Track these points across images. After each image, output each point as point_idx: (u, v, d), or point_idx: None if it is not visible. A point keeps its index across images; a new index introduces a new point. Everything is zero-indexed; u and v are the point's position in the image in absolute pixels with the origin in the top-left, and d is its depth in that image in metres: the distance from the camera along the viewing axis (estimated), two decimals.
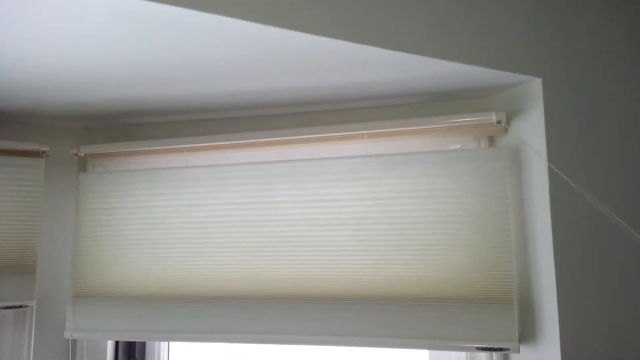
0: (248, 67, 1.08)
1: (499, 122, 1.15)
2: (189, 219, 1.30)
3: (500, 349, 1.06)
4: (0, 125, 1.41)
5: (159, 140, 1.34)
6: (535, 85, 1.13)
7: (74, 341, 1.38)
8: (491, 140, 1.24)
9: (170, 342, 1.48)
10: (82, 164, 1.45)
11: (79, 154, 1.40)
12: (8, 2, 0.82)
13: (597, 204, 1.00)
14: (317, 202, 1.22)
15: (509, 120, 1.19)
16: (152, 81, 1.16)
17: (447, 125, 1.18)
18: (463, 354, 1.18)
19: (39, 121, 1.43)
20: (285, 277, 1.22)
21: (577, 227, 1.08)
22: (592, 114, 1.15)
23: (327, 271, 1.19)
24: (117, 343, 1.44)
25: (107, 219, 1.35)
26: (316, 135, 1.24)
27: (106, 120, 1.45)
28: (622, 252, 1.10)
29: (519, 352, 1.06)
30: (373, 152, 1.24)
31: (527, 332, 1.09)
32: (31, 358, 1.32)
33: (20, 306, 1.31)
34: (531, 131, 1.14)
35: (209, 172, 1.30)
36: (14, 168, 1.33)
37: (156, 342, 1.46)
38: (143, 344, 1.46)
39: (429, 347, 1.11)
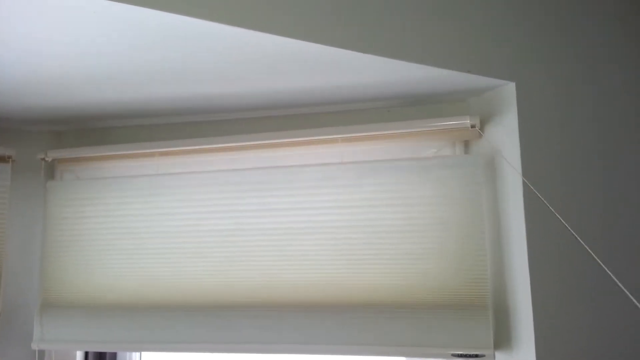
0: (220, 69, 1.07)
1: (473, 126, 1.16)
2: (160, 227, 1.28)
3: (476, 356, 1.07)
4: None
5: (129, 144, 1.33)
6: (510, 90, 1.14)
7: (42, 352, 1.35)
8: (466, 144, 1.25)
9: (142, 353, 1.46)
10: (50, 170, 1.42)
11: (47, 159, 1.37)
12: None
13: (569, 228, 1.01)
14: (290, 211, 1.22)
15: (484, 124, 1.20)
16: (122, 84, 1.15)
17: (422, 129, 1.19)
18: None
19: (4, 125, 1.40)
20: (257, 285, 1.21)
21: (551, 233, 1.09)
22: (566, 118, 1.17)
23: (301, 279, 1.19)
24: (86, 355, 1.41)
25: (77, 227, 1.33)
26: (290, 140, 1.24)
27: (76, 124, 1.43)
28: (597, 257, 1.12)
29: (494, 358, 1.07)
30: (348, 157, 1.25)
31: (503, 338, 1.10)
32: None
33: None
34: (506, 135, 1.16)
35: (180, 179, 1.29)
36: None
37: (127, 354, 1.43)
38: (114, 356, 1.43)
39: (405, 355, 1.11)
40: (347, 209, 1.19)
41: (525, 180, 1.09)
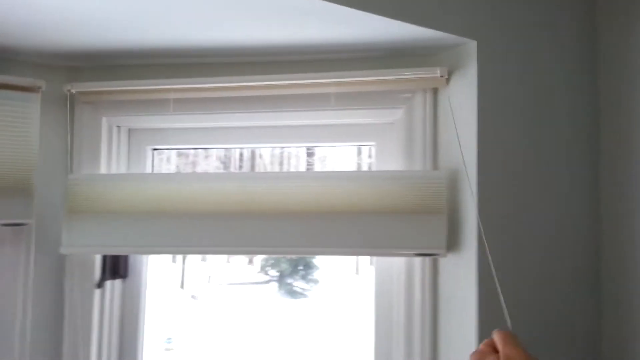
0: (213, 14, 1.29)
1: (442, 76, 1.43)
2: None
3: (432, 254, 1.38)
4: None
5: (148, 80, 1.56)
6: (472, 47, 1.41)
7: (65, 259, 1.59)
8: (435, 92, 1.51)
9: (149, 262, 1.72)
10: (72, 100, 1.63)
11: (72, 91, 1.59)
12: None
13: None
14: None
15: (451, 75, 1.47)
16: (140, 26, 1.36)
17: (398, 77, 1.46)
18: (402, 259, 1.49)
19: (25, 58, 1.60)
20: (252, 198, 1.48)
21: (499, 161, 1.39)
22: (522, 77, 1.45)
23: (287, 195, 1.47)
24: (104, 262, 1.66)
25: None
26: (290, 82, 1.50)
27: (94, 61, 1.63)
28: (539, 188, 1.42)
29: (446, 256, 1.39)
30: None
31: (453, 241, 1.42)
32: (31, 271, 1.53)
33: (21, 224, 1.52)
34: (467, 89, 1.42)
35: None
36: (11, 101, 1.51)
37: (137, 261, 1.69)
38: (126, 263, 1.69)
39: (374, 254, 1.44)
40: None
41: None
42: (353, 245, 1.41)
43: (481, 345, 0.97)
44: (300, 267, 5.10)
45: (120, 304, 1.66)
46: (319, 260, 4.88)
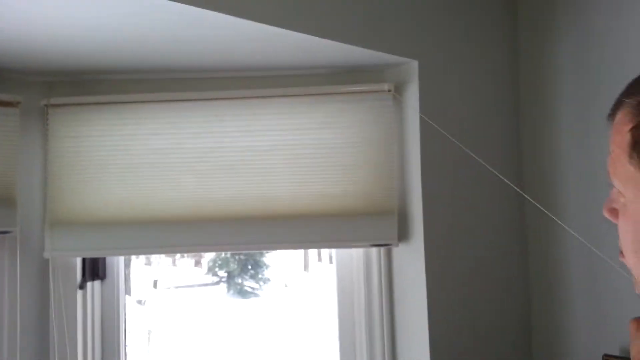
0: (181, 40, 1.49)
1: (389, 90, 1.69)
2: (150, 147, 1.68)
3: (386, 244, 1.63)
4: None
5: (122, 95, 1.70)
6: (414, 66, 1.67)
7: (48, 263, 1.72)
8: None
9: (129, 265, 1.87)
10: (48, 113, 1.75)
11: (49, 105, 1.71)
12: None
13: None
14: (256, 132, 1.67)
15: (397, 90, 1.72)
16: (112, 48, 1.52)
17: (350, 90, 1.70)
18: (361, 250, 1.74)
19: (4, 75, 1.70)
20: (228, 199, 1.66)
21: (441, 162, 1.66)
22: (459, 92, 1.73)
23: (263, 191, 1.66)
24: (84, 265, 1.79)
25: (75, 158, 1.70)
26: (247, 97, 1.71)
27: (66, 76, 1.76)
28: (474, 184, 1.70)
29: (398, 246, 1.65)
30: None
31: (403, 233, 1.68)
32: (17, 276, 1.65)
33: (5, 232, 1.63)
34: (411, 102, 1.68)
35: (168, 106, 1.70)
36: None
37: (115, 264, 1.84)
38: (104, 265, 1.83)
39: (339, 246, 1.67)
40: (298, 131, 1.68)
41: (425, 117, 1.64)
42: (318, 240, 1.65)
43: None
44: (249, 267, 5.27)
45: (101, 303, 1.80)
46: (268, 258, 5.08)
